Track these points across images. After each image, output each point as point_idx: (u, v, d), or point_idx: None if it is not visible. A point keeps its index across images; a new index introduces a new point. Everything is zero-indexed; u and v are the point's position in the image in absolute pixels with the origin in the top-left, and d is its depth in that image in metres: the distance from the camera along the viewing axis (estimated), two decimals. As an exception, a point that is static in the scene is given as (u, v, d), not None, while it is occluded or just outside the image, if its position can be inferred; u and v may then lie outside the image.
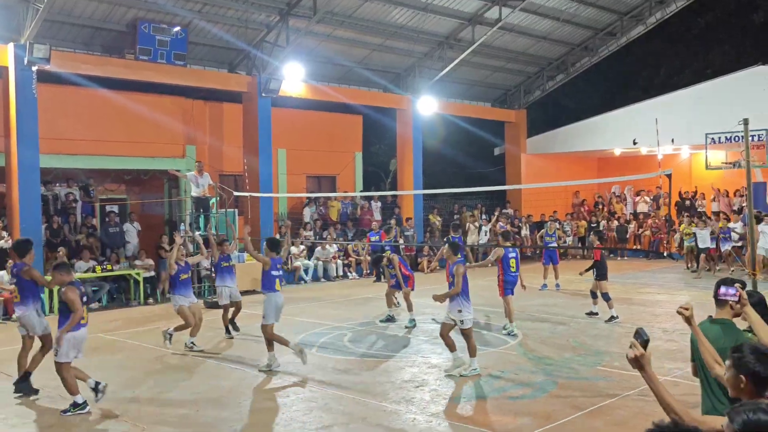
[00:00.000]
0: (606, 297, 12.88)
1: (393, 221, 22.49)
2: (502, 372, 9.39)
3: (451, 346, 9.31)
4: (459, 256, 9.65)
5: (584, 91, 30.18)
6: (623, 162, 27.03)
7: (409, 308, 13.03)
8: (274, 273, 10.12)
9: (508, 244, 13.64)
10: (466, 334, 9.26)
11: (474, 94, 27.02)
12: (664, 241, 22.43)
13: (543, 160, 27.54)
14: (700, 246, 19.85)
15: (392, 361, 10.23)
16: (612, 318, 12.73)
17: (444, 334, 9.34)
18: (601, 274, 13.07)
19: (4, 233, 15.57)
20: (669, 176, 9.57)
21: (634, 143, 23.81)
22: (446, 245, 10.26)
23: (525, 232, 23.74)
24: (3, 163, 15.91)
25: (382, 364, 10.04)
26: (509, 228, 21.02)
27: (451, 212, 26.08)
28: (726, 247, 20.02)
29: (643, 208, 26.13)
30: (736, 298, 3.77)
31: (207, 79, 19.41)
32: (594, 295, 13.30)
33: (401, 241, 21.42)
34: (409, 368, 9.78)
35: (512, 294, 12.24)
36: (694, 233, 20.16)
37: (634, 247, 24.58)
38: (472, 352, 9.25)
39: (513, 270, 12.32)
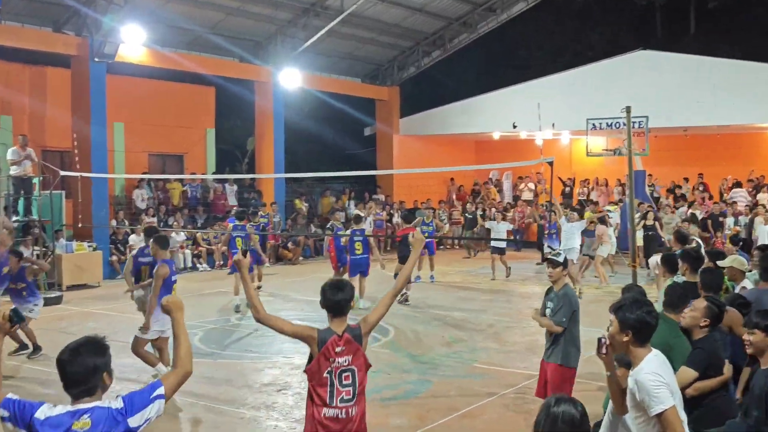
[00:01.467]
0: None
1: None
2: (373, 372, 9.49)
3: (152, 362, 8.88)
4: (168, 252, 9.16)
5: (462, 70, 31.08)
6: (502, 146, 28.06)
7: (236, 291, 13.69)
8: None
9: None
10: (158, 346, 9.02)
11: (343, 69, 27.11)
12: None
13: (417, 142, 28.10)
14: None
15: (250, 362, 10.17)
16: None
17: (137, 351, 8.86)
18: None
19: None
20: (551, 163, 10.04)
21: (514, 127, 24.77)
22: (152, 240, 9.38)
23: (397, 219, 24.12)
24: None
25: (239, 366, 9.94)
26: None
27: (317, 196, 26.08)
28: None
29: (527, 195, 27.21)
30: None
31: (26, 38, 18.34)
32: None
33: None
34: (269, 370, 9.73)
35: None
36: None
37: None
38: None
39: (359, 252, 14.17)
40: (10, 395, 3.33)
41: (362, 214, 18.33)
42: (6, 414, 3.28)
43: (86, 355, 3.34)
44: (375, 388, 8.78)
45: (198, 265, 20.62)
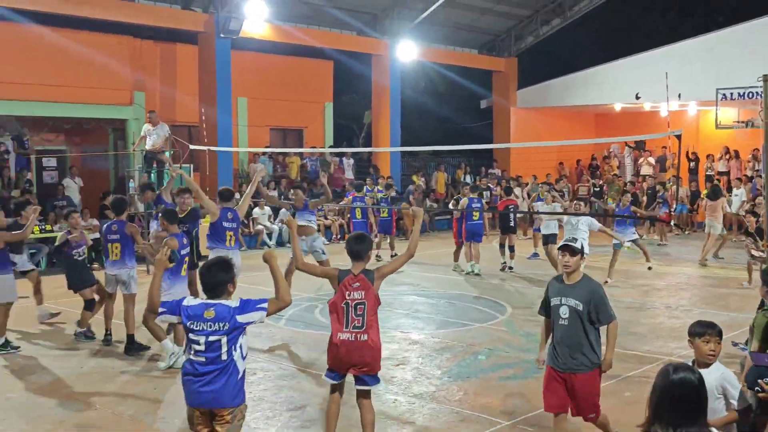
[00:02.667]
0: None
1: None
2: (490, 350, 9.56)
3: (159, 336, 8.93)
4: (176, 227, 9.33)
5: (582, 39, 30.22)
6: (623, 118, 27.22)
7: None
8: (225, 224, 10.07)
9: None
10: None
11: (459, 40, 26.89)
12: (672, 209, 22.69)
13: (535, 115, 27.66)
14: None
15: (368, 336, 10.33)
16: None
17: (147, 324, 8.89)
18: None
19: None
20: (679, 137, 9.65)
21: (637, 98, 23.95)
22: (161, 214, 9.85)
23: (519, 192, 23.75)
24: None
25: (358, 340, 10.13)
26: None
27: (432, 171, 26.11)
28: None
29: (647, 170, 26.24)
30: None
31: (158, 16, 19.11)
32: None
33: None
34: (387, 344, 9.83)
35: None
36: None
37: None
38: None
39: (475, 218, 15.40)
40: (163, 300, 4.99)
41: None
42: (163, 309, 4.84)
43: (216, 271, 4.81)
44: (492, 366, 8.84)
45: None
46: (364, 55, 24.74)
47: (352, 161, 23.97)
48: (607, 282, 13.38)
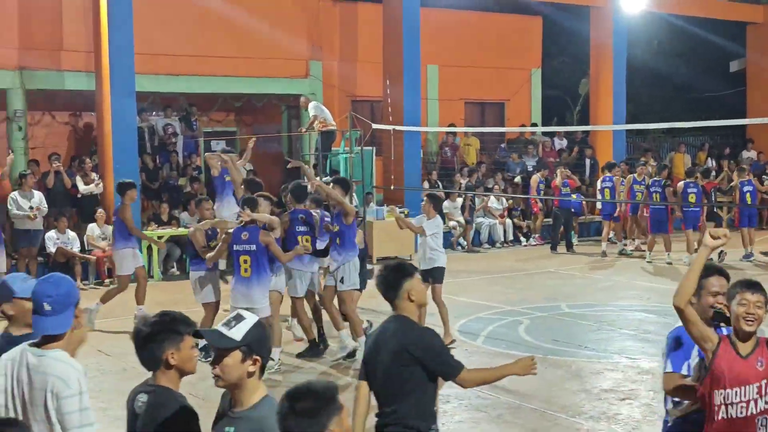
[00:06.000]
0: None
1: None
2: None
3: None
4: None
5: None
6: None
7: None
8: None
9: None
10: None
11: (702, -16, 26.01)
12: None
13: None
14: None
15: (586, 361, 10.55)
16: None
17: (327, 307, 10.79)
18: None
19: (94, 175, 17.06)
20: None
21: None
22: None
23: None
24: (92, 86, 17.34)
25: (573, 365, 10.40)
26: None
27: (665, 153, 25.56)
28: None
29: None
30: None
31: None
32: None
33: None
34: (610, 373, 10.09)
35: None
36: None
37: None
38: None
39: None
40: None
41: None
42: None
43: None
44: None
45: (521, 239, 21.31)
46: (581, 8, 24.54)
47: (565, 141, 23.92)
48: None
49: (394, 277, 5.06)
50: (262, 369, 3.77)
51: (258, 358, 3.72)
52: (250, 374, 3.70)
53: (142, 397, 4.02)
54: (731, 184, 19.88)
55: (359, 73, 22.12)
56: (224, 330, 3.69)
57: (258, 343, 3.73)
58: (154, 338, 3.98)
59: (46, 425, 4.05)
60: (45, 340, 4.18)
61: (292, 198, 11.03)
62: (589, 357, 10.77)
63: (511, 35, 25.05)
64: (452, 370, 5.06)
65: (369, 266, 16.35)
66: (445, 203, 19.14)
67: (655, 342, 11.46)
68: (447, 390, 9.57)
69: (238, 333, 3.67)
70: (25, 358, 4.16)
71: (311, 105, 18.25)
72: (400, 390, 4.98)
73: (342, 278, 10.54)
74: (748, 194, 18.58)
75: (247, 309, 9.75)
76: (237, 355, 3.65)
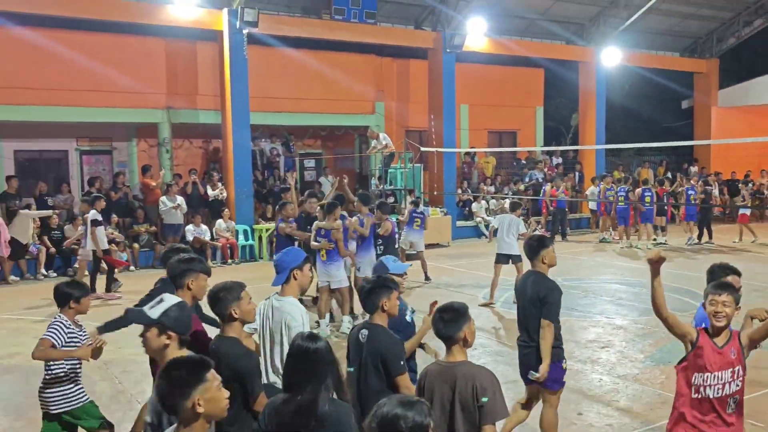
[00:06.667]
0: None
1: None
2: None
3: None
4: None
5: (786, 38, 27.47)
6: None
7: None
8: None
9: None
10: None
11: (661, 44, 25.51)
12: None
13: (736, 113, 25.63)
14: None
15: (576, 320, 10.41)
16: None
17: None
18: None
19: (220, 184, 17.27)
20: None
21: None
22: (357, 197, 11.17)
23: (714, 191, 22.28)
24: (219, 120, 17.57)
25: (566, 323, 10.19)
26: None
27: (634, 168, 25.10)
28: None
29: None
30: None
31: (395, 36, 19.90)
32: None
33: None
34: (593, 328, 9.95)
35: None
36: None
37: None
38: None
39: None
40: None
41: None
42: None
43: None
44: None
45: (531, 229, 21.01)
46: (572, 63, 24.24)
47: (560, 159, 23.63)
48: None
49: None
50: (181, 342, 3.47)
51: (173, 334, 3.45)
52: (166, 346, 3.43)
53: (364, 332, 4.30)
54: (680, 189, 19.69)
55: (411, 111, 22.05)
56: (146, 309, 3.48)
57: (173, 321, 3.46)
58: (373, 291, 4.31)
59: (279, 347, 4.41)
60: (282, 290, 4.58)
61: (360, 202, 10.89)
62: (577, 317, 10.62)
63: (521, 82, 24.82)
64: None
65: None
66: (474, 204, 19.46)
67: (627, 306, 11.33)
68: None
69: (155, 312, 3.45)
70: (271, 302, 4.56)
71: (381, 135, 18.43)
72: None
73: (359, 267, 10.47)
74: (691, 196, 18.51)
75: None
76: (154, 330, 3.44)
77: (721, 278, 4.46)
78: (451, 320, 3.73)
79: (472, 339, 3.79)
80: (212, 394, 2.72)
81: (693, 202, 18.15)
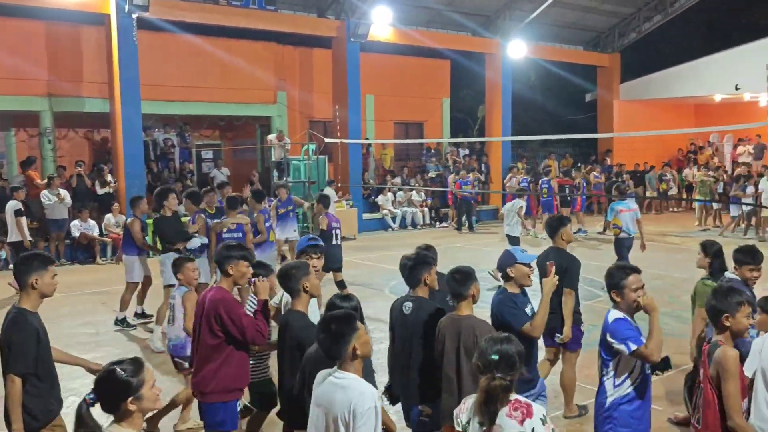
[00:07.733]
0: None
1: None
2: (593, 326, 9.22)
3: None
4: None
5: (684, 33, 28.54)
6: (722, 109, 25.62)
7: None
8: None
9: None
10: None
11: (565, 37, 26.00)
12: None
13: (637, 107, 26.44)
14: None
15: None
16: None
17: None
18: None
19: (111, 179, 16.25)
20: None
21: (737, 89, 22.47)
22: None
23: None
24: (107, 108, 16.53)
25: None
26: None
27: (541, 160, 25.46)
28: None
29: (746, 158, 24.48)
30: None
31: (297, 24, 19.39)
32: None
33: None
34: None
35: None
36: None
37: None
38: None
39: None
40: None
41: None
42: None
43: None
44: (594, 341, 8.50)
45: (435, 223, 21.08)
46: (478, 54, 24.34)
47: (467, 151, 23.67)
48: None
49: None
50: None
51: None
52: None
53: (408, 304, 4.62)
54: (577, 180, 20.02)
55: (315, 101, 21.57)
56: None
57: None
58: (415, 267, 4.64)
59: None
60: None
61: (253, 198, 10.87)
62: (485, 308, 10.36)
63: (428, 73, 24.77)
64: None
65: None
66: (380, 197, 19.16)
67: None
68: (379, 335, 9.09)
69: None
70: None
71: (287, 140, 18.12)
72: None
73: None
74: (544, 189, 18.52)
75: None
76: None
77: (621, 279, 4.23)
78: (461, 280, 4.31)
79: (478, 296, 4.37)
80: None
81: (545, 196, 18.34)
